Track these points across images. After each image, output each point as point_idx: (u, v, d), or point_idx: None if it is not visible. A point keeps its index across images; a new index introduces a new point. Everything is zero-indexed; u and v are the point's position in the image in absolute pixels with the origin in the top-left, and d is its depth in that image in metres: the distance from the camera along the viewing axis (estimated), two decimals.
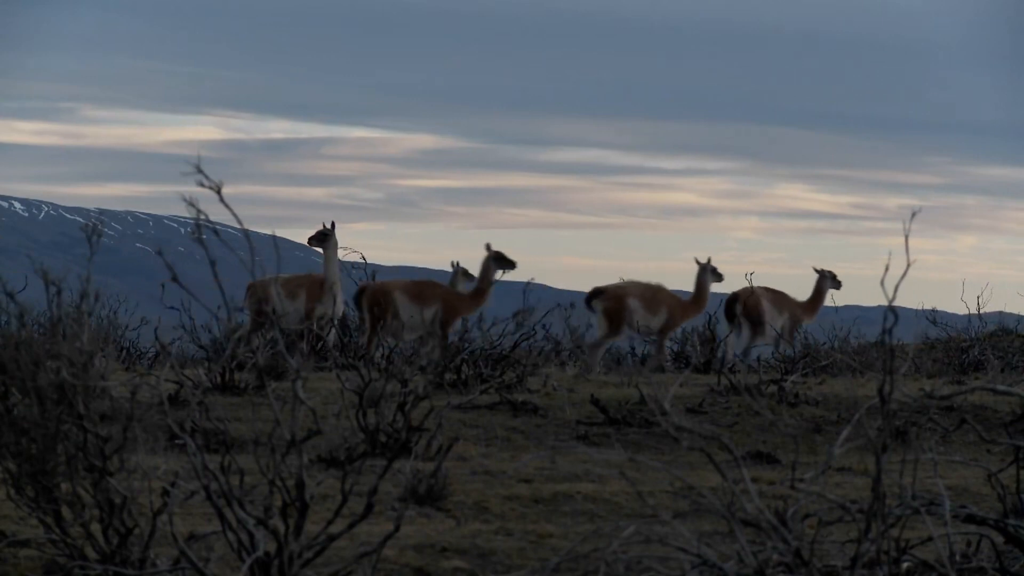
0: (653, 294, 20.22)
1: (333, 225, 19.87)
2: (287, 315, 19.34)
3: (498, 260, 19.88)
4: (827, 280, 21.23)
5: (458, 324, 19.59)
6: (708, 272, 20.61)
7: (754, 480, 7.87)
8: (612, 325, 19.99)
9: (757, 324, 20.47)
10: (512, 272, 19.94)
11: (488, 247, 19.93)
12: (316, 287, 19.56)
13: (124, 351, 20.43)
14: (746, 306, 20.55)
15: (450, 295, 19.82)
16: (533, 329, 17.82)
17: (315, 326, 19.16)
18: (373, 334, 19.48)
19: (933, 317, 22.64)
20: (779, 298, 20.91)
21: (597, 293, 20.14)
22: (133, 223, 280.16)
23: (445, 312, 19.61)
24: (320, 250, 19.89)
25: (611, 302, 20.01)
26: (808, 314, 21.20)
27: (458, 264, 20.81)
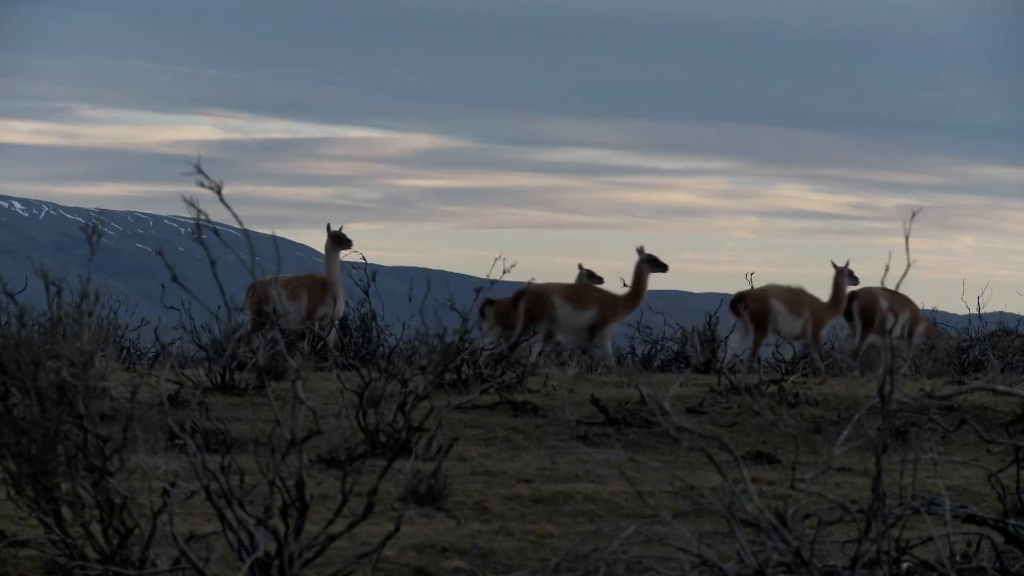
0: (795, 296, 20.31)
1: (340, 229, 19.96)
2: (288, 315, 19.34)
3: (652, 263, 20.15)
4: (845, 276, 21.20)
5: (614, 328, 20.04)
6: (845, 275, 20.75)
7: (754, 480, 7.86)
8: (759, 328, 20.07)
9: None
10: (512, 272, 19.91)
11: (640, 250, 20.18)
12: (318, 288, 19.59)
13: (124, 351, 20.43)
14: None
15: (607, 299, 20.08)
16: (533, 329, 17.82)
17: (316, 326, 19.18)
18: (523, 336, 19.81)
19: (933, 317, 22.65)
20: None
21: (742, 297, 20.22)
22: (133, 223, 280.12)
23: (602, 316, 19.89)
24: (340, 251, 19.95)
25: (757, 305, 20.07)
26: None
27: (583, 267, 21.13)
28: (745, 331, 20.24)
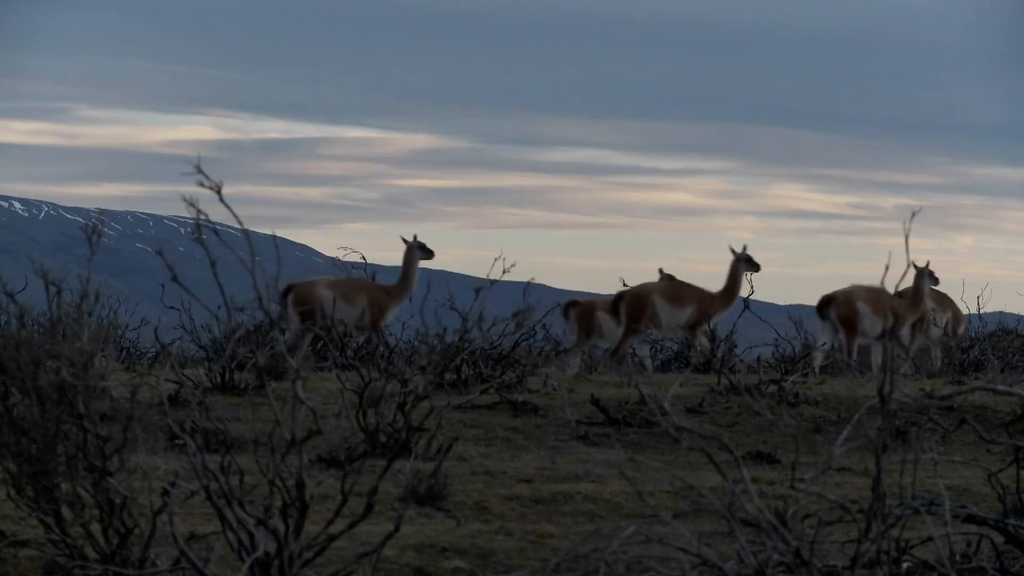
0: (878, 297, 20.43)
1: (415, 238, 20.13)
2: (341, 319, 19.36)
3: (747, 262, 20.58)
4: (925, 276, 21.20)
5: (710, 324, 20.40)
6: (925, 276, 20.87)
7: (754, 480, 7.86)
8: (848, 330, 20.19)
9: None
10: (512, 272, 20.00)
11: (734, 250, 20.59)
12: (379, 292, 19.63)
13: (124, 351, 20.44)
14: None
15: (705, 297, 20.49)
16: (533, 329, 17.83)
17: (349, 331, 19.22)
18: (628, 337, 20.24)
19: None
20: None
21: (828, 301, 20.33)
22: (133, 223, 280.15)
23: (700, 313, 20.30)
24: (421, 261, 20.13)
25: (844, 308, 20.20)
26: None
27: (663, 271, 21.62)
28: (833, 333, 20.38)
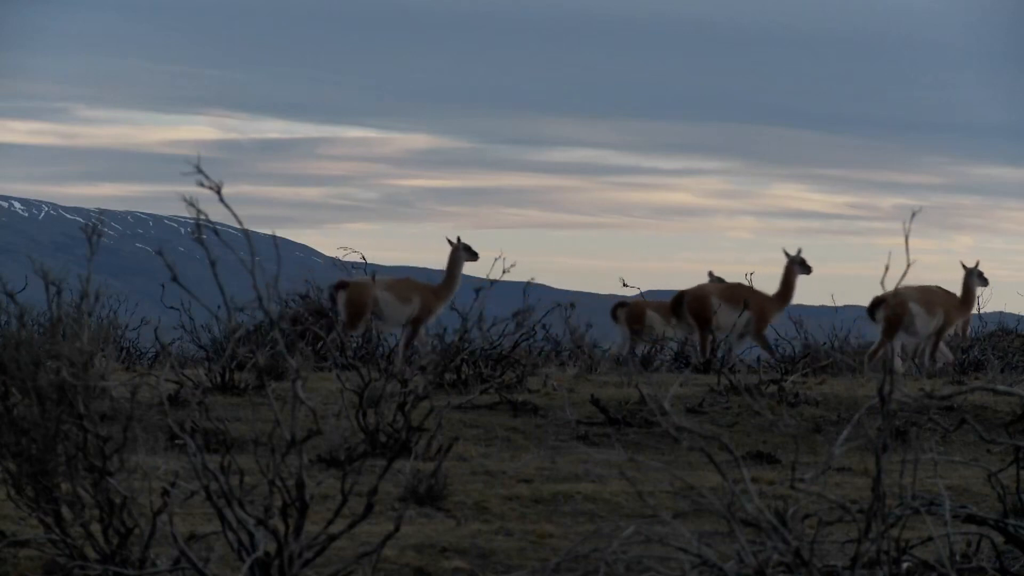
0: (930, 296, 20.50)
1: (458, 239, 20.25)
2: (392, 319, 19.49)
3: (801, 264, 20.80)
4: (975, 276, 21.24)
5: (767, 326, 20.72)
6: (975, 275, 20.92)
7: (754, 480, 7.87)
8: (891, 330, 20.28)
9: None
10: (512, 272, 20.06)
11: (787, 252, 20.80)
12: (429, 293, 19.73)
13: (124, 351, 20.43)
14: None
15: (761, 298, 20.72)
16: (533, 329, 17.83)
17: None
18: (706, 337, 20.44)
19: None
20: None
21: (880, 301, 20.41)
22: (133, 223, 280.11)
23: (757, 315, 20.53)
24: (468, 262, 20.23)
25: (896, 308, 20.29)
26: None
27: (712, 273, 21.89)
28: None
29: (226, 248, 6.84)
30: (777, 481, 10.72)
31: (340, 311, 19.29)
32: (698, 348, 20.54)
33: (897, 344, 20.28)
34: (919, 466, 7.49)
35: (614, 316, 22.01)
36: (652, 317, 21.85)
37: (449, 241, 20.02)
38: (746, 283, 21.24)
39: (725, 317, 20.40)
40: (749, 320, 20.50)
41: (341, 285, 19.48)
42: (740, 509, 6.62)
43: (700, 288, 20.83)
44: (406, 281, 19.97)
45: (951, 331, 20.76)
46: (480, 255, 20.02)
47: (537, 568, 8.10)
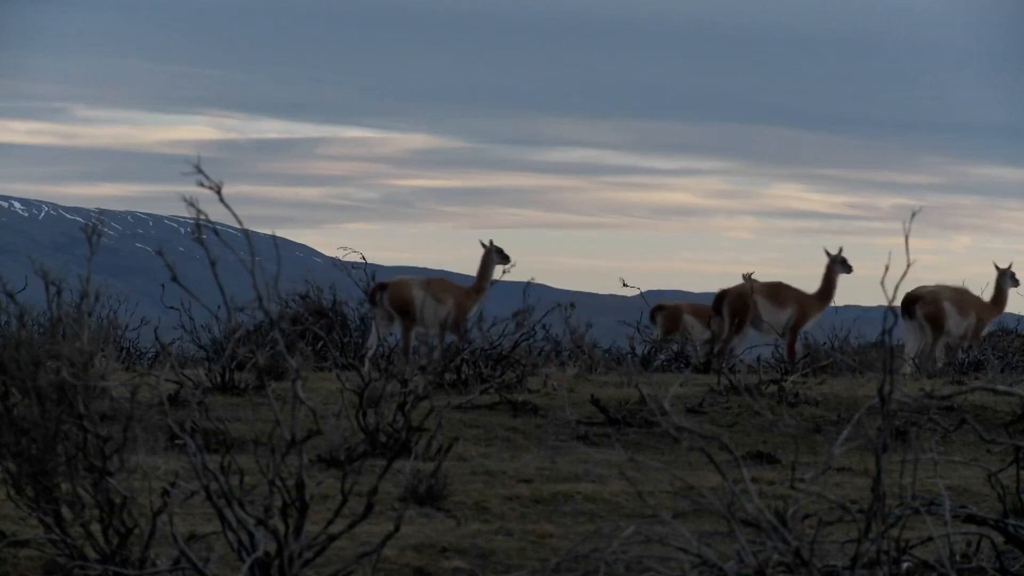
0: (962, 297, 20.59)
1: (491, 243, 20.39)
2: (427, 319, 19.63)
3: (842, 264, 20.97)
4: (1008, 278, 21.32)
5: (808, 325, 20.89)
6: (1008, 277, 21.06)
7: (754, 480, 7.87)
8: (935, 329, 20.36)
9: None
10: (512, 272, 20.12)
11: (828, 252, 20.93)
12: (462, 295, 19.90)
13: (124, 351, 20.43)
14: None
15: (803, 297, 20.84)
16: (533, 329, 17.84)
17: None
18: (733, 336, 20.58)
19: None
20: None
21: (915, 299, 20.53)
22: (133, 223, 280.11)
23: (800, 314, 20.68)
24: (502, 265, 20.36)
25: (931, 307, 20.39)
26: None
27: (746, 275, 21.84)
28: (920, 332, 20.55)
29: (226, 248, 6.85)
30: (777, 481, 10.72)
31: (384, 311, 19.49)
32: (726, 343, 20.61)
33: (919, 344, 20.43)
34: (919, 466, 7.49)
35: (652, 318, 22.14)
36: (688, 320, 21.98)
37: (482, 244, 20.24)
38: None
39: (769, 316, 20.51)
40: (790, 318, 20.59)
41: (381, 286, 19.68)
42: (740, 509, 6.62)
43: (742, 286, 20.95)
44: (441, 281, 20.13)
45: (984, 331, 20.88)
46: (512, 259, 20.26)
47: (537, 568, 8.10)
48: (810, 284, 21.97)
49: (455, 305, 19.71)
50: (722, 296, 20.80)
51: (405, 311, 19.55)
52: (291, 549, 6.92)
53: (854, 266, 21.15)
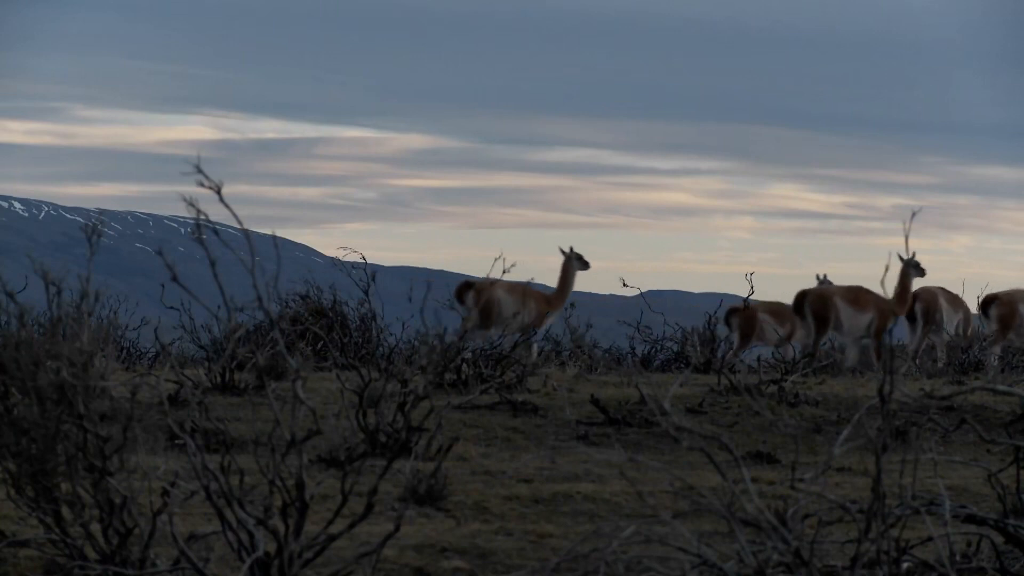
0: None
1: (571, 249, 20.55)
2: (512, 321, 19.77)
3: (916, 268, 21.02)
4: (912, 268, 21.47)
5: (890, 328, 21.11)
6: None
7: (754, 480, 7.86)
8: (1003, 329, 20.58)
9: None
10: (511, 272, 20.14)
11: (902, 257, 20.80)
12: (542, 300, 20.08)
13: (124, 351, 20.43)
14: (999, 309, 20.97)
15: (883, 302, 20.99)
16: (533, 329, 17.86)
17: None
18: (820, 337, 20.73)
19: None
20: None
21: (992, 299, 20.89)
22: (133, 223, 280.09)
23: (879, 318, 20.79)
24: (578, 271, 20.59)
25: (1005, 308, 20.62)
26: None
27: (820, 276, 22.39)
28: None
29: (226, 248, 6.85)
30: (777, 481, 10.72)
31: (470, 311, 19.60)
32: (811, 347, 20.69)
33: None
34: (919, 466, 7.49)
35: (727, 322, 22.17)
36: (763, 320, 22.01)
37: (562, 251, 20.46)
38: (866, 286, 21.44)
39: (849, 319, 20.59)
40: (871, 322, 20.66)
41: (467, 285, 19.81)
42: (740, 509, 6.62)
43: (823, 288, 21.12)
44: (522, 287, 20.24)
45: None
46: (591, 264, 20.55)
47: (537, 568, 8.10)
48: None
49: (535, 311, 19.87)
50: (802, 297, 20.89)
51: (492, 312, 19.65)
52: (291, 549, 6.92)
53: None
